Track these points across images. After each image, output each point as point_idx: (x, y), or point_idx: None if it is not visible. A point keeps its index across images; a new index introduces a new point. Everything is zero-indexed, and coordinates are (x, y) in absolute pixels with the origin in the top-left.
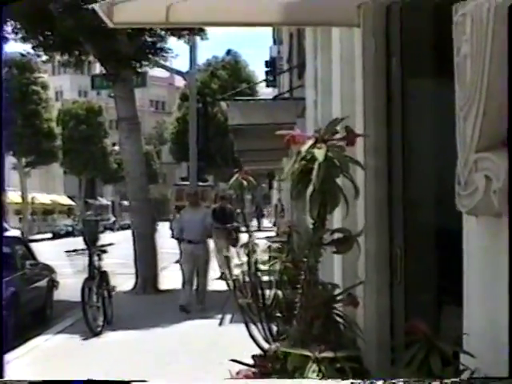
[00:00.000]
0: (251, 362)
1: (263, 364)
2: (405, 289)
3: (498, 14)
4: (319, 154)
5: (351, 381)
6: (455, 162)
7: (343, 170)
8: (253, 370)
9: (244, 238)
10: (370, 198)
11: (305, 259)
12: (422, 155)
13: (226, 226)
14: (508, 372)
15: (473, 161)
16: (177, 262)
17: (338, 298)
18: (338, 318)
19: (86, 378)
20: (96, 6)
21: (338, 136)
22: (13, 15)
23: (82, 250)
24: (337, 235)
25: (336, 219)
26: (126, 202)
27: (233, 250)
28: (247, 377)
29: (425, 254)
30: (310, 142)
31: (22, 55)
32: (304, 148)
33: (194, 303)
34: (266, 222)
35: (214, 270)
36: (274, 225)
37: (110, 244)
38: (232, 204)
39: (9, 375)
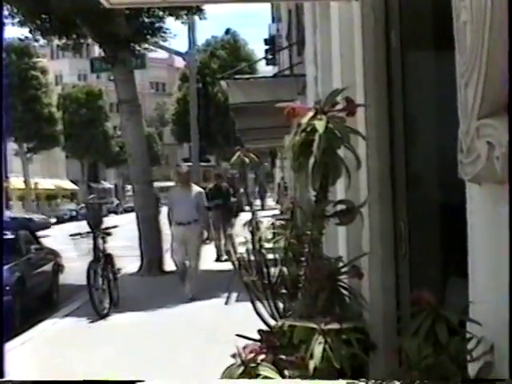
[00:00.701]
0: (257, 338)
1: (270, 339)
2: (409, 260)
3: None
4: (320, 125)
5: (347, 381)
6: (457, 131)
7: (344, 140)
8: (259, 344)
9: (243, 216)
10: (373, 169)
11: (308, 232)
12: (423, 125)
13: (221, 204)
14: (508, 372)
15: (475, 128)
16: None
17: (343, 270)
18: (343, 290)
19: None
20: None
21: (338, 107)
22: None
23: (87, 233)
24: (340, 207)
25: (339, 191)
26: (129, 187)
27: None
28: (254, 351)
29: (429, 224)
30: (311, 114)
31: (20, 40)
32: (304, 120)
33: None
34: (269, 202)
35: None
36: (277, 203)
37: (115, 226)
38: (230, 183)
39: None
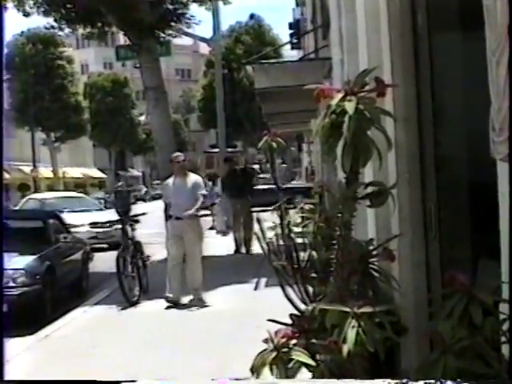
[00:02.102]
0: (289, 322)
1: (301, 323)
2: (440, 242)
3: None
4: (349, 106)
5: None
6: (487, 111)
7: (374, 122)
8: (291, 329)
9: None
10: (401, 150)
11: (339, 215)
12: (452, 105)
13: (238, 191)
14: (508, 372)
15: (507, 106)
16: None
17: (374, 252)
18: (375, 273)
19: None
20: None
21: (367, 88)
22: None
23: (116, 221)
24: (370, 189)
25: (367, 173)
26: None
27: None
28: (286, 336)
29: (459, 206)
30: (340, 96)
31: (46, 28)
32: (334, 101)
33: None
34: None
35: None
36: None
37: (143, 214)
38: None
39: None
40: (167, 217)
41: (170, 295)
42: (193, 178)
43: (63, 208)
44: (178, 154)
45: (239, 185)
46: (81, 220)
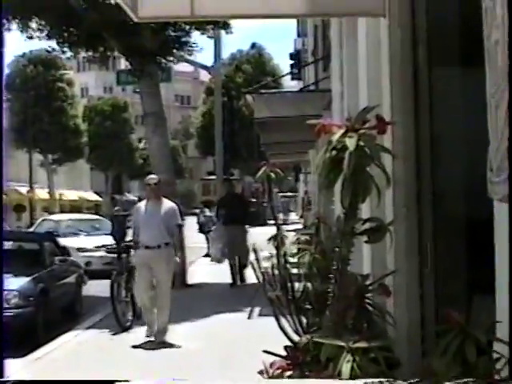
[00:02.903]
0: (283, 353)
1: (296, 355)
2: (435, 278)
3: None
4: (350, 143)
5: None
6: (485, 149)
7: (374, 158)
8: (286, 361)
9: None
10: (399, 187)
11: (336, 249)
12: (450, 143)
13: (234, 218)
14: (508, 372)
15: (505, 147)
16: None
17: (370, 287)
18: (370, 308)
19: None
20: (120, 1)
21: (368, 125)
22: (38, 12)
23: (111, 245)
24: (368, 224)
25: (365, 208)
26: None
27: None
28: (281, 368)
29: (455, 242)
30: (341, 131)
31: (48, 52)
32: (335, 137)
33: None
34: (292, 216)
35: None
36: (301, 217)
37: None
38: (245, 193)
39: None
40: (135, 245)
41: (147, 332)
42: (167, 204)
43: (79, 230)
44: (152, 176)
45: (235, 211)
46: (95, 243)
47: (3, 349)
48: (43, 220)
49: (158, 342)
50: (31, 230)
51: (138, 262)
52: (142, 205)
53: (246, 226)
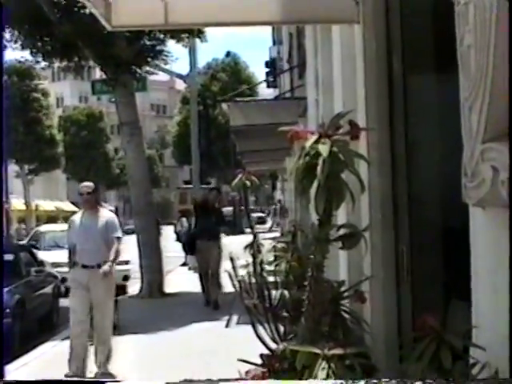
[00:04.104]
0: (259, 361)
1: (272, 363)
2: (411, 284)
3: (500, 2)
4: (323, 149)
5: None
6: (460, 154)
7: (348, 164)
8: (261, 369)
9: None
10: (375, 193)
11: (311, 256)
12: (425, 148)
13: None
14: (509, 372)
15: (479, 152)
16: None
17: (346, 294)
18: (346, 315)
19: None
20: (94, 10)
21: (341, 131)
22: (10, 22)
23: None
24: (343, 231)
25: (340, 215)
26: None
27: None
28: (256, 376)
29: (431, 248)
30: (314, 138)
31: (20, 62)
32: (308, 143)
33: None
34: (269, 223)
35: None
36: (278, 225)
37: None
38: (221, 203)
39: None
40: (71, 264)
41: (70, 371)
42: (105, 215)
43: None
44: (86, 184)
45: (207, 223)
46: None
47: (3, 349)
48: (36, 231)
49: (101, 373)
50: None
51: (74, 283)
52: (77, 218)
53: (220, 241)
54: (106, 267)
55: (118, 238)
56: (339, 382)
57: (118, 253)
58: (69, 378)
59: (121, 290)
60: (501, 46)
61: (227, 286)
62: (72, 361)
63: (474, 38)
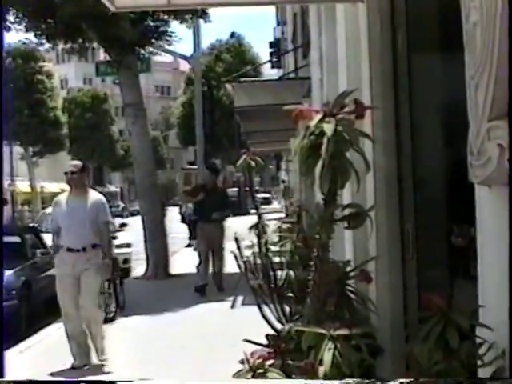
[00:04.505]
0: (265, 342)
1: (277, 344)
2: (417, 264)
3: None
4: (328, 128)
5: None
6: (465, 133)
7: (353, 143)
8: (267, 349)
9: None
10: (380, 172)
11: (317, 236)
12: (431, 127)
13: (209, 213)
14: (508, 372)
15: (485, 130)
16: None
17: (351, 274)
18: (352, 295)
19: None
20: None
21: (346, 109)
22: (14, 4)
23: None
24: (348, 210)
25: (345, 195)
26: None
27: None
28: (262, 357)
29: (437, 228)
30: (319, 117)
31: (25, 44)
32: (312, 123)
33: None
34: (274, 204)
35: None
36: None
37: (120, 229)
38: (226, 184)
39: (19, 367)
40: (55, 248)
41: (77, 362)
42: (94, 197)
43: None
44: (73, 162)
45: (210, 204)
46: None
47: (3, 349)
48: (43, 213)
49: (94, 366)
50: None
51: (59, 269)
52: (63, 198)
53: (224, 223)
54: (106, 261)
55: (108, 223)
56: (336, 382)
57: (109, 238)
58: (69, 379)
59: (123, 272)
60: (507, 23)
61: (232, 267)
62: (75, 352)
63: (479, 15)
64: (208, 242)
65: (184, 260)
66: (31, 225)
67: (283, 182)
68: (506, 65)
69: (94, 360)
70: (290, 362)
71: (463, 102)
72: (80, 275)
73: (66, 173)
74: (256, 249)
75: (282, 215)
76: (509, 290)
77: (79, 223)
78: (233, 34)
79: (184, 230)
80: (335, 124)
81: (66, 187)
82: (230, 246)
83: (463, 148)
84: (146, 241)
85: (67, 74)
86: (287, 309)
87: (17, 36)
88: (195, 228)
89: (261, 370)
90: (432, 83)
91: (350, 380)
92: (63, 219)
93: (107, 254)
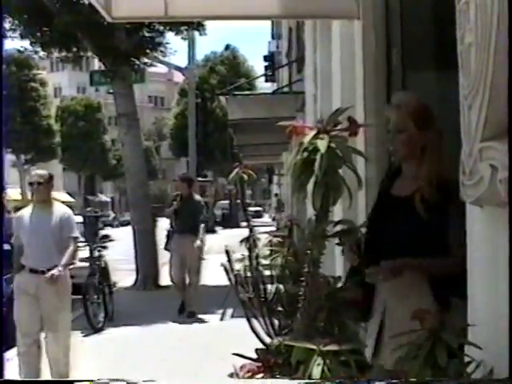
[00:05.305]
0: (254, 356)
1: (266, 358)
2: None
3: (502, 1)
4: (321, 144)
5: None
6: (458, 152)
7: (346, 160)
8: (256, 363)
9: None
10: (372, 189)
11: (308, 251)
12: None
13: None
14: (508, 372)
15: (478, 150)
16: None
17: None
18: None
19: (86, 376)
20: (94, 1)
21: (340, 127)
22: (10, 11)
23: (83, 245)
24: (340, 227)
25: (337, 211)
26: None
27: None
28: (251, 371)
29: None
30: (313, 133)
31: (20, 51)
32: (306, 139)
33: None
34: (265, 218)
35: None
36: (274, 220)
37: (111, 240)
38: (205, 195)
39: (9, 373)
40: (17, 268)
41: None
42: (60, 210)
43: None
44: (38, 172)
45: (185, 218)
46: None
47: (3, 349)
48: None
49: None
50: None
51: (19, 290)
52: (26, 213)
53: (200, 236)
54: (54, 271)
55: (75, 239)
56: (337, 381)
57: (73, 255)
58: (73, 380)
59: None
60: (501, 45)
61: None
62: (24, 376)
63: (474, 37)
64: (181, 256)
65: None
66: None
67: (276, 195)
68: (499, 86)
69: None
70: (279, 376)
71: (457, 121)
72: (42, 298)
73: (30, 183)
74: (247, 262)
75: (273, 228)
76: (509, 291)
77: (44, 241)
78: (228, 47)
79: None
80: (329, 141)
81: (56, 196)
82: (220, 258)
83: (456, 167)
84: (136, 251)
85: (61, 82)
86: (276, 322)
87: (11, 43)
88: (169, 240)
89: None
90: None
91: (350, 380)
92: (26, 236)
93: (63, 270)
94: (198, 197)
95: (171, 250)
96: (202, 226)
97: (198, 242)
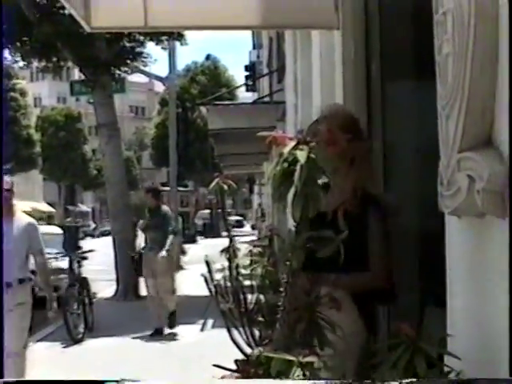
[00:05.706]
0: (234, 367)
1: (246, 369)
2: None
3: (479, 12)
4: (301, 155)
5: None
6: (437, 163)
7: (325, 171)
8: (236, 375)
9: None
10: None
11: (287, 262)
12: (403, 155)
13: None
14: (508, 372)
15: (455, 161)
16: None
17: (322, 301)
18: (321, 322)
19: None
20: (73, 11)
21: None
22: None
23: (63, 256)
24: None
25: None
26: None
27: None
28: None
29: (408, 256)
30: (292, 144)
31: None
32: (286, 149)
33: None
34: (246, 228)
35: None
36: (254, 229)
37: (91, 250)
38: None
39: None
40: None
41: None
42: (23, 220)
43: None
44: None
45: (153, 231)
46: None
47: (3, 349)
48: None
49: None
50: None
51: None
52: None
53: (169, 247)
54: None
55: (40, 253)
56: (333, 382)
57: (44, 270)
58: (73, 380)
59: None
60: (478, 56)
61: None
62: None
63: (452, 47)
64: (152, 272)
65: None
66: None
67: (259, 205)
68: (477, 97)
69: None
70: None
71: (435, 130)
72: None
73: None
74: (227, 272)
75: (255, 238)
76: (509, 293)
77: (5, 254)
78: (208, 57)
79: None
80: (308, 151)
81: (37, 206)
82: (201, 268)
83: (435, 177)
84: (116, 261)
85: (41, 92)
86: (257, 333)
87: None
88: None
89: None
90: (405, 110)
91: (349, 380)
92: None
93: (45, 287)
94: (165, 207)
95: (143, 267)
96: (171, 237)
97: (164, 253)
